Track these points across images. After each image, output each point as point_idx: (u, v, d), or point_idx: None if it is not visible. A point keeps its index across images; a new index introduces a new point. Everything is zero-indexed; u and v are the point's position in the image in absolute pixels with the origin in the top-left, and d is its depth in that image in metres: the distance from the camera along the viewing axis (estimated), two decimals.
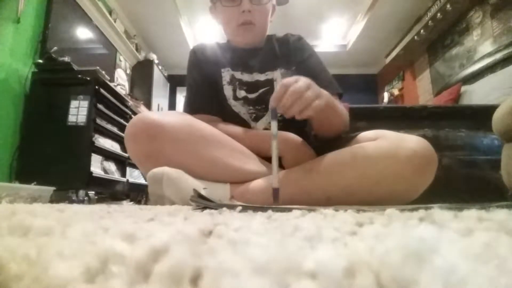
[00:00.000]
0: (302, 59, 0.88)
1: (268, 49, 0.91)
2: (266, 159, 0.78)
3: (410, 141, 0.63)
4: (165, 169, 0.64)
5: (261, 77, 0.87)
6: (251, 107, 0.85)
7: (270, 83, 0.86)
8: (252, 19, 0.84)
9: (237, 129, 0.81)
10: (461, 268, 0.09)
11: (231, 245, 0.14)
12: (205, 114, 0.83)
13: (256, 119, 0.85)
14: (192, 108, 0.85)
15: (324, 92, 0.64)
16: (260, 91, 0.86)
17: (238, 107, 0.85)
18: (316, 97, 0.60)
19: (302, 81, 0.60)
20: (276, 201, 0.58)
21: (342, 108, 0.78)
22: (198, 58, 0.91)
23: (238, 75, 0.87)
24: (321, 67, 0.88)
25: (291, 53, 0.90)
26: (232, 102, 0.86)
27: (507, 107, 0.84)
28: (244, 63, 0.88)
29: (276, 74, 0.85)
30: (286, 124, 0.84)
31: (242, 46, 0.90)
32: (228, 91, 0.86)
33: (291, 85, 0.58)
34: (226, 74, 0.88)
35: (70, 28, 2.37)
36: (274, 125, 0.61)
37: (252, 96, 0.86)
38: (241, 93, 0.86)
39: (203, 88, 0.88)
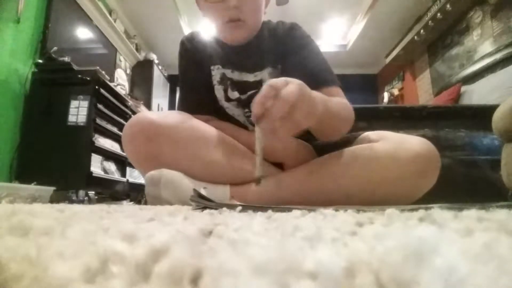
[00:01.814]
0: (293, 51, 0.78)
1: (258, 43, 0.81)
2: (266, 159, 0.77)
3: (413, 143, 0.62)
4: (163, 171, 0.64)
5: (250, 77, 0.81)
6: (246, 110, 0.81)
7: (259, 85, 0.79)
8: (241, 15, 0.73)
9: (236, 129, 0.80)
10: (461, 268, 0.09)
11: (231, 245, 0.14)
12: (201, 114, 0.79)
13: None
14: (188, 108, 0.80)
15: (318, 98, 0.53)
16: (249, 93, 0.80)
17: (232, 109, 0.82)
18: (307, 114, 0.48)
19: (292, 88, 0.45)
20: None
21: (342, 103, 0.69)
22: (188, 51, 0.85)
23: (229, 73, 0.81)
24: (316, 57, 0.77)
25: (280, 46, 0.80)
26: (224, 103, 0.82)
27: (507, 107, 0.84)
28: (235, 60, 0.81)
29: (264, 74, 0.80)
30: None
31: (231, 43, 0.81)
32: (219, 92, 0.82)
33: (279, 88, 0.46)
34: (217, 73, 0.82)
35: (70, 28, 2.37)
36: (257, 132, 0.49)
37: (244, 97, 0.81)
38: (234, 94, 0.81)
39: (196, 86, 0.83)
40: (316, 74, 0.73)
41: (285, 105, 0.44)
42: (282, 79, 0.48)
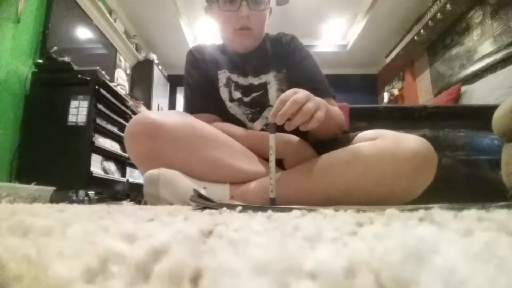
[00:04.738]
0: (296, 61, 0.87)
1: (262, 50, 0.90)
2: (266, 159, 0.78)
3: (410, 141, 0.63)
4: (162, 171, 0.65)
5: (255, 81, 0.87)
6: (246, 108, 0.86)
7: (263, 87, 0.86)
8: (250, 24, 0.82)
9: (237, 129, 0.81)
10: (461, 268, 0.09)
11: (231, 245, 0.14)
12: (204, 113, 0.83)
13: (253, 120, 0.85)
14: (191, 107, 0.85)
15: (322, 102, 0.63)
16: (253, 95, 0.86)
17: (234, 109, 0.86)
18: (316, 108, 0.58)
19: (301, 92, 0.59)
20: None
21: (337, 111, 0.79)
22: (196, 59, 0.91)
23: (235, 77, 0.87)
24: (316, 69, 0.87)
25: (284, 54, 0.89)
26: (228, 103, 0.86)
27: (507, 107, 0.84)
28: (240, 66, 0.88)
29: (269, 77, 0.86)
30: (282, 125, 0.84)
31: (238, 50, 0.89)
32: (224, 93, 0.87)
33: (290, 97, 0.57)
34: (223, 76, 0.88)
35: (70, 28, 2.37)
36: (272, 138, 0.61)
37: (246, 99, 0.86)
38: (236, 95, 0.86)
39: (202, 87, 0.87)
40: (314, 85, 0.81)
41: (294, 105, 0.56)
42: (291, 90, 0.60)
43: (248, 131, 0.81)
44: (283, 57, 0.88)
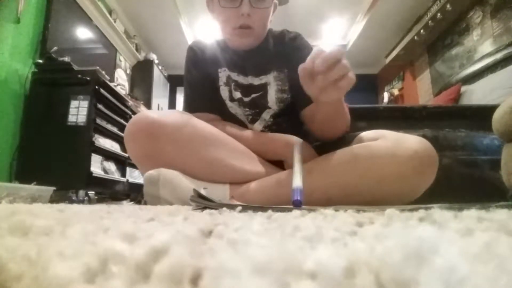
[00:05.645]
0: (298, 59, 0.84)
1: (264, 48, 0.87)
2: (271, 161, 0.78)
3: (411, 141, 0.63)
4: (162, 171, 0.65)
5: (255, 81, 0.84)
6: (247, 109, 0.84)
7: (263, 88, 0.84)
8: (251, 23, 0.79)
9: (238, 129, 0.81)
10: (461, 268, 0.09)
11: (231, 245, 0.14)
12: (205, 113, 0.82)
13: (253, 121, 0.84)
14: (192, 107, 0.84)
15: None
16: (253, 95, 0.84)
17: (235, 108, 0.84)
18: (349, 68, 0.54)
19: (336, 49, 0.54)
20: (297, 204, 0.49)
21: (346, 109, 0.75)
22: (196, 55, 0.88)
23: (235, 76, 0.85)
24: None
25: (286, 53, 0.85)
26: (228, 103, 0.85)
27: (507, 107, 0.84)
28: (240, 65, 0.86)
29: (269, 78, 0.84)
30: (283, 125, 0.83)
31: (238, 49, 0.87)
32: (224, 92, 0.85)
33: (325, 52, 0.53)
34: (223, 75, 0.85)
35: (70, 28, 2.37)
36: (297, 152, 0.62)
37: (246, 99, 0.84)
38: (237, 94, 0.84)
39: (202, 86, 0.86)
40: None
41: (331, 58, 0.52)
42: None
43: (249, 131, 0.81)
44: (285, 56, 0.85)
